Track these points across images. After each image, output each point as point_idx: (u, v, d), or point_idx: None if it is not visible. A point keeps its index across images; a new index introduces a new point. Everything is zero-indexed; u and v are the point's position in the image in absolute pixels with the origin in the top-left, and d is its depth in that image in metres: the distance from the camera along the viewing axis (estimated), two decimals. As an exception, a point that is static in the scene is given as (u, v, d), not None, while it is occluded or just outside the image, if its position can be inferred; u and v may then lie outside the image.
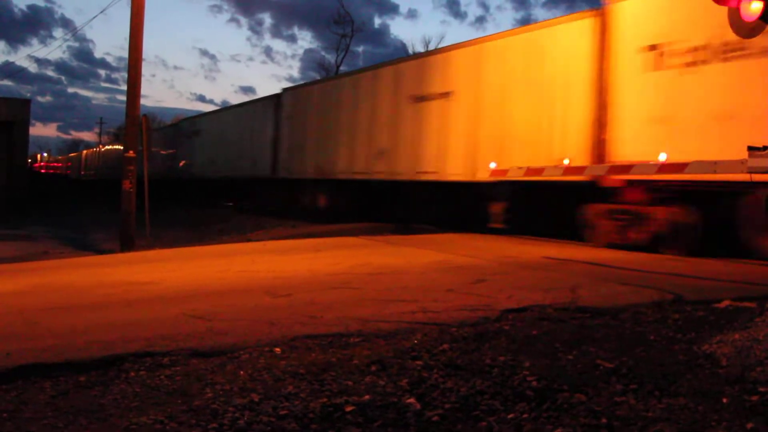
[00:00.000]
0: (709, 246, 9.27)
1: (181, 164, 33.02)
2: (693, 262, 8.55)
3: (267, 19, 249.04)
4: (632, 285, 6.46)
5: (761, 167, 7.89)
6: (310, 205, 20.51)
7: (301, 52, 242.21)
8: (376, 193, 17.92)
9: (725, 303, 5.37)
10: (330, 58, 51.64)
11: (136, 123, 13.67)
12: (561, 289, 6.19)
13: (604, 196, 10.68)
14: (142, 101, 14.06)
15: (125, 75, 13.68)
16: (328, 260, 8.81)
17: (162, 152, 36.09)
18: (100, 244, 15.29)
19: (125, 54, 13.48)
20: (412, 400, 3.21)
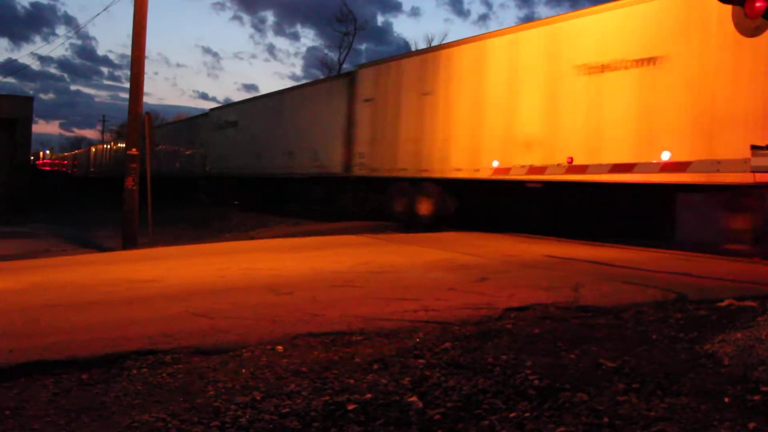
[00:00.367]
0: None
1: (205, 160, 28.85)
2: (696, 261, 8.54)
3: (270, 16, 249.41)
4: (634, 284, 6.45)
5: (764, 166, 7.88)
6: (404, 211, 15.81)
7: (303, 50, 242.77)
8: (527, 200, 13.21)
9: (727, 302, 5.36)
10: (333, 56, 51.53)
11: (139, 120, 13.68)
12: (563, 287, 6.19)
13: None
14: (145, 99, 14.04)
15: (128, 72, 13.74)
16: (330, 258, 8.80)
17: (181, 149, 33.31)
18: (102, 241, 15.29)
19: (128, 51, 13.52)
20: (414, 398, 3.21)
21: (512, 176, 12.43)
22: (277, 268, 7.96)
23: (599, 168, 10.76)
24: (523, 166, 12.19)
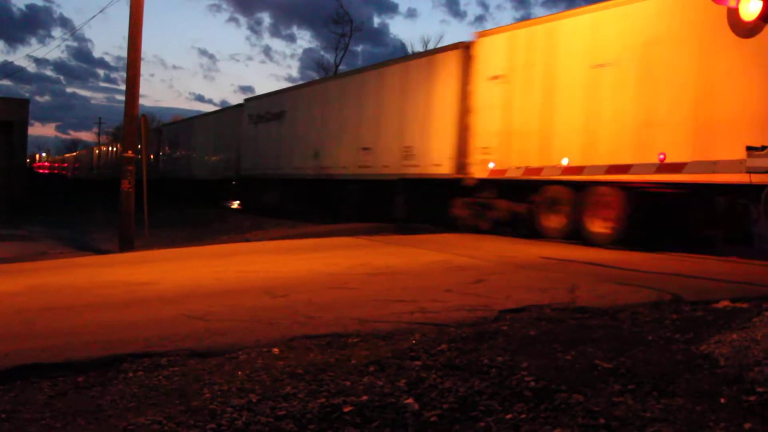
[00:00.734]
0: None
1: (238, 160, 24.86)
2: (692, 262, 8.56)
3: (266, 18, 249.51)
4: (630, 285, 6.46)
5: (760, 167, 7.90)
6: (561, 227, 11.69)
7: (300, 51, 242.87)
8: None
9: (723, 303, 5.38)
10: (329, 57, 51.50)
11: (135, 123, 13.66)
12: (559, 289, 6.20)
13: None
14: (141, 101, 14.06)
15: (124, 75, 13.68)
16: (326, 260, 8.80)
17: (205, 148, 29.36)
18: (99, 244, 15.26)
19: (124, 53, 13.52)
20: (410, 400, 3.21)
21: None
22: (273, 271, 7.95)
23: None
24: None
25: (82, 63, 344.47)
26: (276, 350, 4.14)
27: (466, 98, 13.70)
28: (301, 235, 14.09)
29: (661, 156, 9.85)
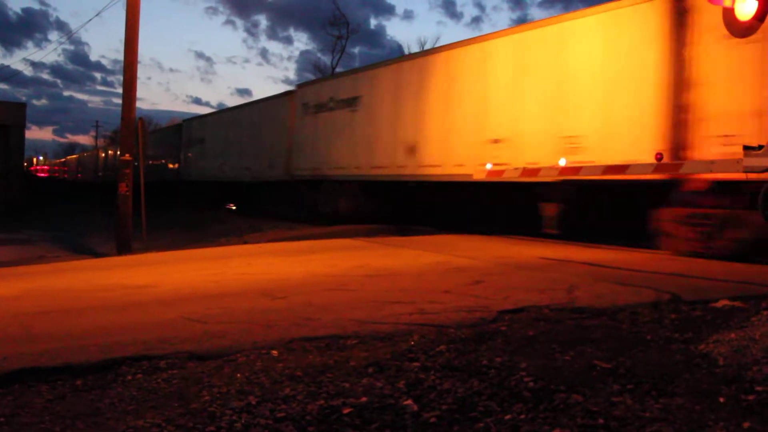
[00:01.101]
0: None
1: (290, 158, 20.41)
2: (691, 262, 8.56)
3: (263, 20, 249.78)
4: (629, 285, 6.46)
5: (758, 166, 7.90)
6: None
7: (296, 53, 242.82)
8: None
9: (722, 303, 5.38)
10: (326, 59, 51.45)
11: (132, 126, 13.67)
12: (558, 289, 6.20)
13: None
14: (138, 104, 14.02)
15: (121, 78, 13.68)
16: (324, 262, 8.80)
17: (239, 145, 24.84)
18: (97, 247, 15.26)
19: (121, 57, 13.49)
20: (409, 401, 3.21)
21: None
22: (272, 273, 7.95)
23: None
24: None
25: (79, 66, 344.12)
26: (275, 352, 4.14)
27: (683, 67, 9.66)
28: (299, 237, 14.10)
29: None
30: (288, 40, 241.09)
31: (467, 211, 14.79)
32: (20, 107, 32.42)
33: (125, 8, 13.38)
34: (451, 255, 9.35)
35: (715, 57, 9.31)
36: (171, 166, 34.55)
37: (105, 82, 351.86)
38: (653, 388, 3.33)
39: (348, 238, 12.86)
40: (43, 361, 3.97)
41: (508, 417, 3.02)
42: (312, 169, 19.17)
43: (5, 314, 5.67)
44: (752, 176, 8.16)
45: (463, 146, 13.51)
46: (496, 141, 12.70)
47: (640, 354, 3.95)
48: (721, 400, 3.17)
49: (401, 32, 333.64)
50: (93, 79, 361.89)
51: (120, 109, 13.66)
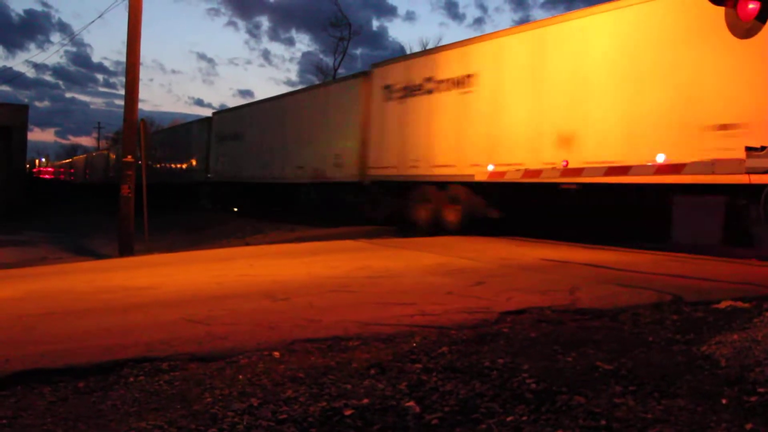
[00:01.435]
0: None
1: (366, 156, 16.84)
2: (693, 263, 8.55)
3: (265, 22, 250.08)
4: (631, 286, 6.46)
5: (760, 168, 7.90)
6: None
7: (298, 55, 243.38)
8: None
9: (724, 304, 5.37)
10: (328, 61, 51.40)
11: (134, 127, 13.68)
12: (559, 291, 6.20)
13: None
14: (140, 105, 14.00)
15: (123, 79, 13.69)
16: (326, 264, 8.80)
17: (284, 142, 21.10)
18: (99, 248, 15.28)
19: (123, 58, 13.51)
20: (411, 403, 3.21)
21: None
22: (274, 274, 7.95)
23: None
24: None
25: (81, 68, 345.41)
26: (277, 354, 4.14)
27: None
28: (301, 239, 14.12)
29: None
30: (290, 42, 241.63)
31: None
32: (22, 109, 32.48)
33: (127, 10, 13.40)
34: (452, 256, 9.35)
35: None
36: (194, 165, 30.45)
37: (107, 84, 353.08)
38: (655, 389, 3.33)
39: (349, 240, 12.87)
40: (45, 362, 3.97)
41: (510, 419, 3.02)
42: (396, 167, 15.70)
43: (8, 316, 5.68)
44: (754, 178, 8.16)
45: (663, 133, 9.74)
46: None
47: (642, 355, 3.95)
48: (724, 401, 3.16)
49: (403, 34, 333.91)
50: (95, 81, 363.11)
51: (122, 110, 13.68)
